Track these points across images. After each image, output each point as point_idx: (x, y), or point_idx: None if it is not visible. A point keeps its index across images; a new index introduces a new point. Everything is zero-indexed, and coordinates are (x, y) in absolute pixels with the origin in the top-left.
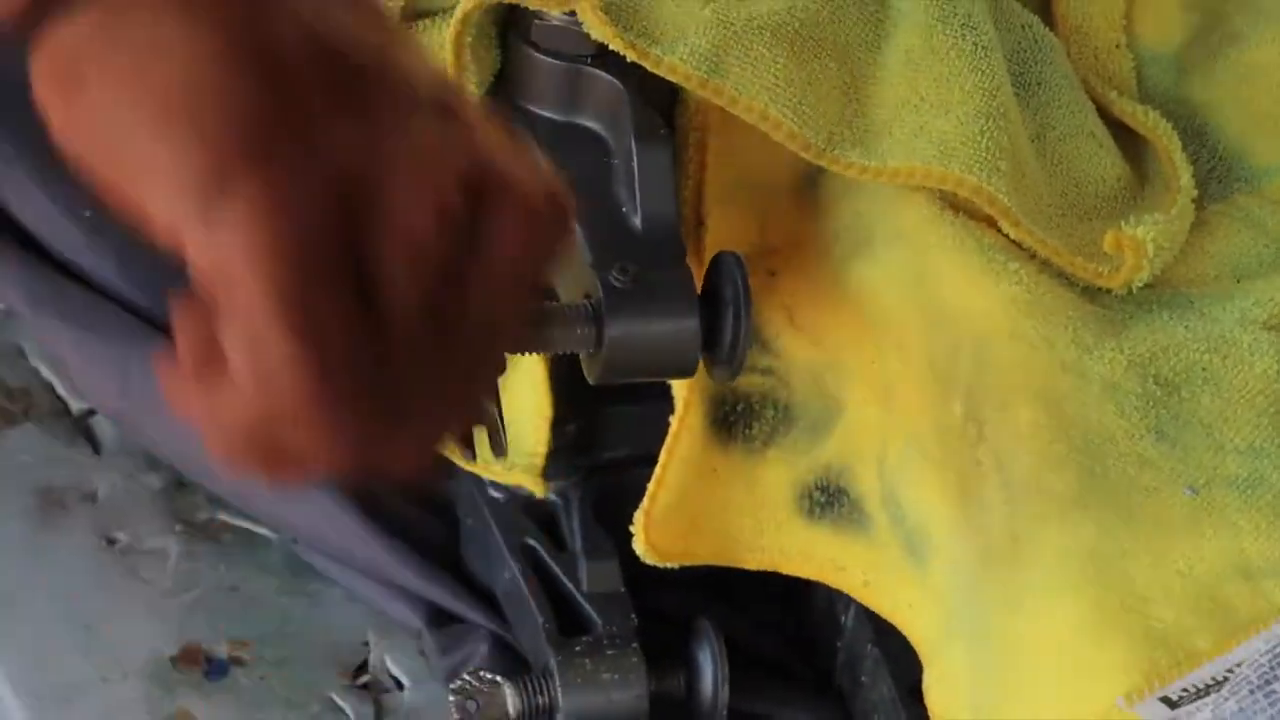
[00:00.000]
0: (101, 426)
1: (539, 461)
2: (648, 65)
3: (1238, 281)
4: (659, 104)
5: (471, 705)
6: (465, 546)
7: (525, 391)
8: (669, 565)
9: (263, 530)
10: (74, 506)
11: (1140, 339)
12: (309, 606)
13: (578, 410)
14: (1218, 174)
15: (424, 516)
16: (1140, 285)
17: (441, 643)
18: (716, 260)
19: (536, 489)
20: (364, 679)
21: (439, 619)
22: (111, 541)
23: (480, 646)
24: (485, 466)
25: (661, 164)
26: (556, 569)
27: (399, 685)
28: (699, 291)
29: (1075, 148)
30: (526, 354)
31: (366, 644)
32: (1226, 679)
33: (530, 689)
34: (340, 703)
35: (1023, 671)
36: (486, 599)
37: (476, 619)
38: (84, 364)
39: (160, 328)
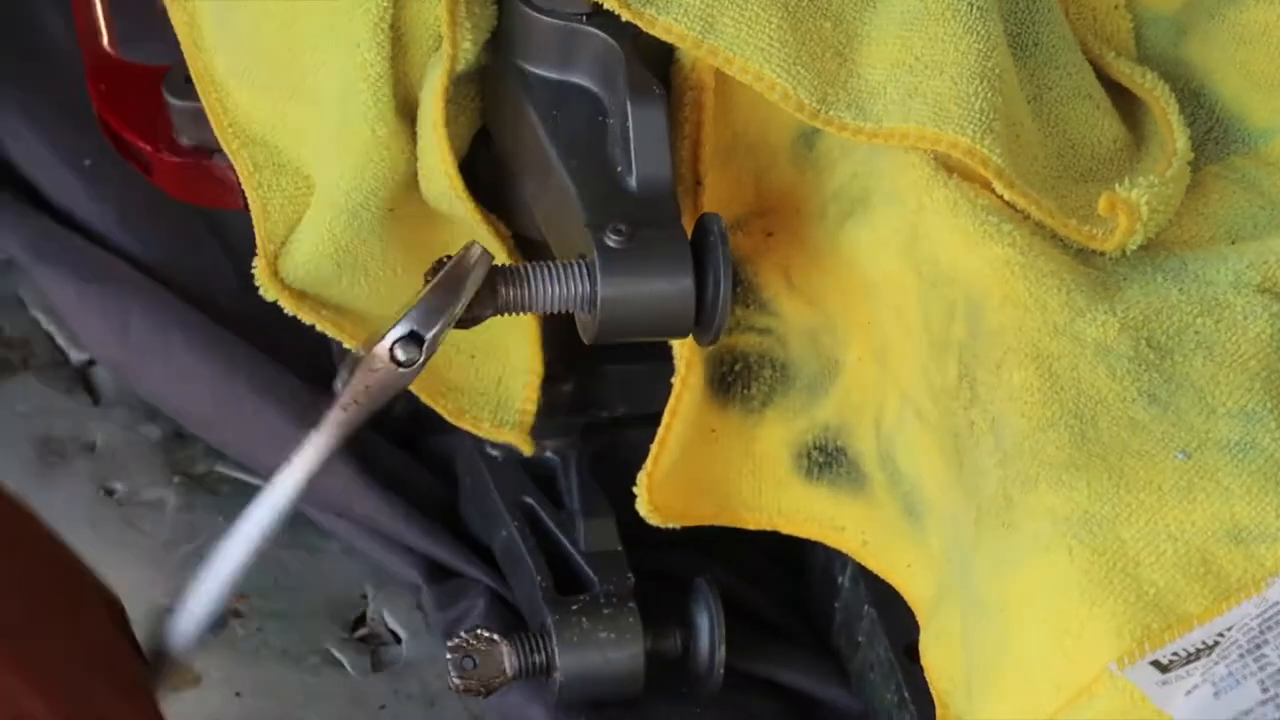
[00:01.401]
0: (100, 377)
1: (527, 420)
2: (642, 25)
3: (1232, 244)
4: (654, 63)
5: (469, 663)
6: (464, 504)
7: (515, 348)
8: (670, 525)
9: (261, 483)
10: (72, 457)
11: (1133, 302)
12: (307, 559)
13: (574, 369)
14: (1215, 136)
15: (423, 472)
16: (1134, 248)
17: (439, 598)
18: (699, 222)
19: (525, 447)
20: (361, 632)
21: (437, 574)
22: (109, 492)
23: (478, 602)
24: (475, 424)
25: (657, 124)
26: (554, 527)
27: (396, 638)
28: None
29: (1072, 109)
30: (521, 313)
31: (364, 597)
32: (1217, 643)
33: (527, 647)
34: (338, 655)
35: (1014, 634)
36: (484, 555)
37: (474, 574)
38: (84, 315)
39: (160, 278)
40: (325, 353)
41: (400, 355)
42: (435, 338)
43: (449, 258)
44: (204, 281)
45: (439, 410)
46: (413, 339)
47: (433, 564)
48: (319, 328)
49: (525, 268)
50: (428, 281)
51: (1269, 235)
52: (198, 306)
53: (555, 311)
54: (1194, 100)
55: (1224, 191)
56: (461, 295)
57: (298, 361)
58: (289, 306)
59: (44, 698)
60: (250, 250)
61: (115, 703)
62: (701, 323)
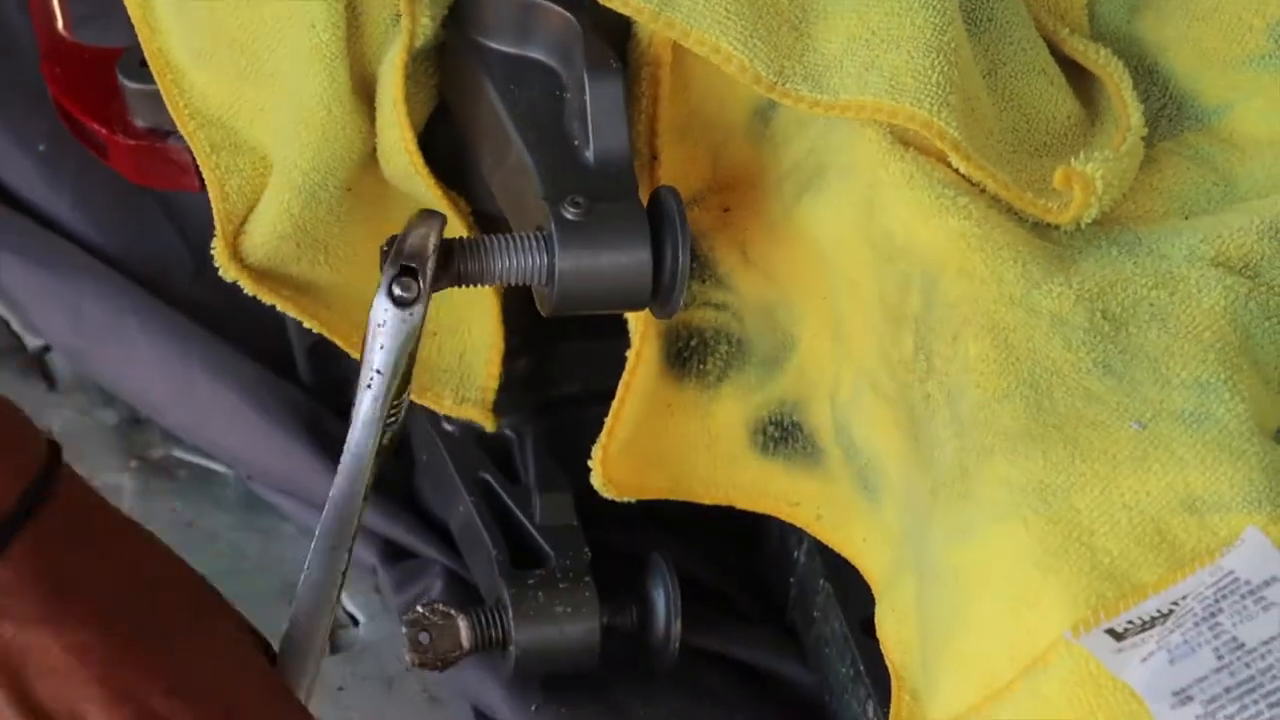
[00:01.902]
0: (57, 363)
1: (489, 396)
2: None
3: (1186, 219)
4: (611, 39)
5: (424, 637)
6: (419, 481)
7: (477, 324)
8: (625, 500)
9: (218, 467)
10: None
11: (1088, 274)
12: (264, 542)
13: (530, 345)
14: (1168, 112)
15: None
16: (1089, 222)
17: (396, 578)
18: (655, 196)
19: (487, 423)
20: None
21: (393, 555)
22: None
23: (435, 582)
24: (436, 400)
25: (614, 98)
26: (510, 502)
27: (354, 621)
28: None
29: (1026, 85)
30: (479, 286)
31: None
32: (1172, 611)
33: (483, 621)
34: None
35: (970, 603)
36: (441, 534)
37: (430, 554)
38: (36, 300)
39: (115, 263)
40: (281, 336)
41: (399, 291)
42: (428, 266)
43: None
44: (159, 266)
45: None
46: (407, 272)
47: (389, 545)
48: (279, 308)
49: (483, 239)
50: (385, 255)
51: (1222, 210)
52: (153, 291)
53: (513, 284)
54: (1147, 77)
55: (1177, 167)
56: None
57: (253, 345)
58: (249, 287)
59: (183, 700)
60: (206, 235)
61: (259, 708)
62: (659, 296)
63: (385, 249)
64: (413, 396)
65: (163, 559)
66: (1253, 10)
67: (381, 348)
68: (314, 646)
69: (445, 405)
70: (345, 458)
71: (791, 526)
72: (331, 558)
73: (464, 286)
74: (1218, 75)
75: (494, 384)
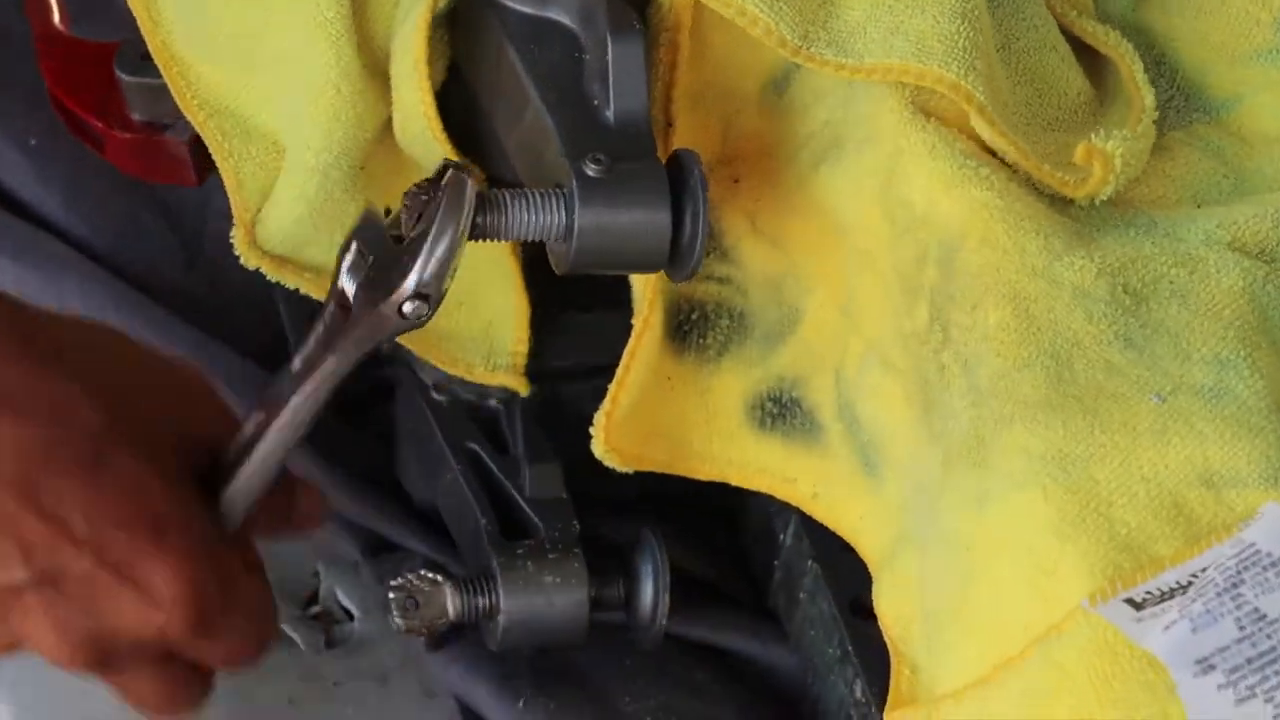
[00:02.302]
0: None
1: (520, 360)
2: None
3: (1198, 207)
4: (632, 1)
5: (411, 604)
6: (402, 460)
7: (500, 292)
8: (625, 469)
9: None
10: None
11: (1110, 249)
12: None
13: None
14: (1176, 104)
15: (362, 444)
16: (1102, 200)
17: (380, 571)
18: (675, 157)
19: (521, 388)
20: (314, 610)
21: (376, 548)
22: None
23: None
24: (469, 369)
25: (635, 58)
26: (499, 473)
27: (349, 615)
28: None
29: (1039, 60)
30: (497, 242)
31: (316, 575)
32: (1191, 583)
33: (471, 590)
34: (291, 633)
35: (985, 571)
36: (424, 525)
37: (412, 544)
38: (21, 296)
39: (105, 258)
40: (275, 330)
41: (409, 311)
42: (442, 293)
43: (428, 184)
44: (151, 260)
45: (433, 360)
46: (421, 297)
47: (372, 538)
48: (303, 290)
49: (504, 193)
50: (407, 209)
51: (1234, 200)
52: (145, 285)
53: (531, 239)
54: (1155, 68)
55: (1189, 157)
56: (459, 243)
57: (246, 338)
58: (271, 273)
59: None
60: (199, 228)
61: (138, 550)
62: (677, 258)
63: (408, 200)
64: (445, 368)
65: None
66: (1259, 4)
67: (363, 339)
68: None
69: (478, 374)
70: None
71: (777, 509)
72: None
73: (482, 240)
74: (1225, 69)
75: (524, 349)
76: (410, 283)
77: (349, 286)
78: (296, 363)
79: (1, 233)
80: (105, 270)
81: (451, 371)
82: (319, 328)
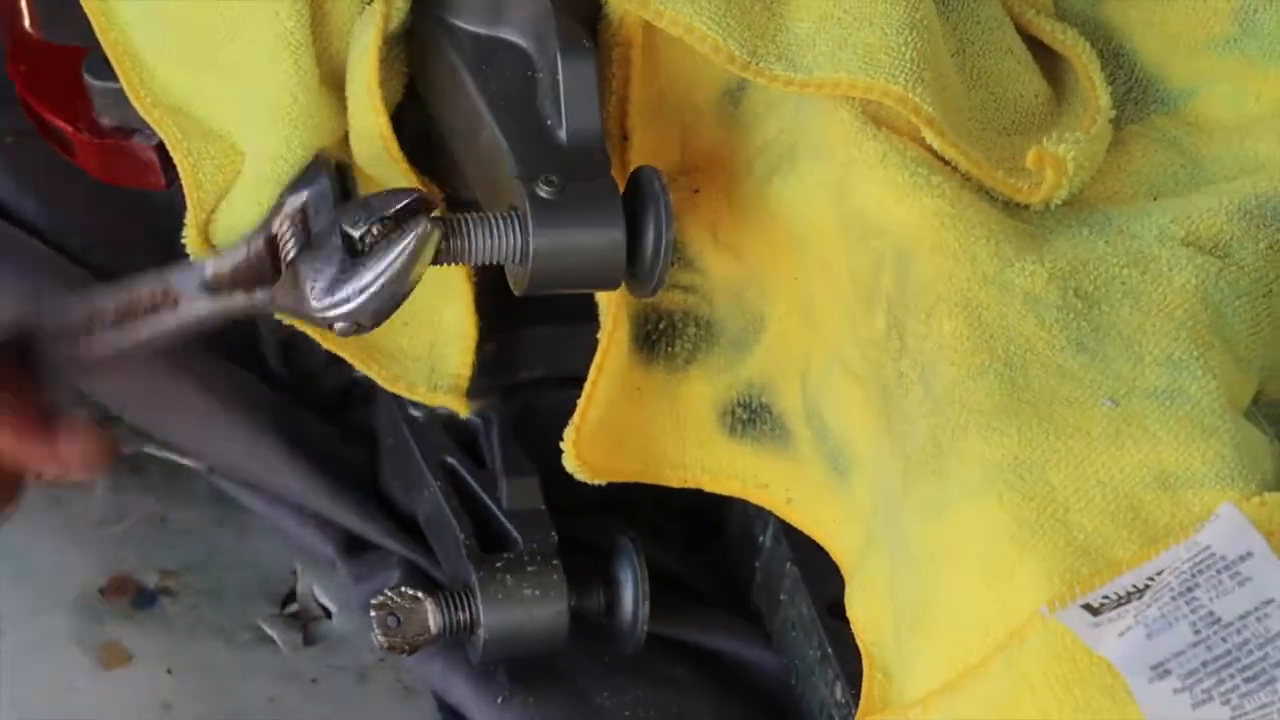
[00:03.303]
0: None
1: (463, 382)
2: None
3: (1154, 200)
4: (582, 20)
5: (393, 621)
6: (384, 470)
7: (450, 313)
8: (597, 483)
9: (189, 462)
10: None
11: (1061, 253)
12: (237, 537)
13: (495, 330)
14: (1134, 96)
15: (348, 446)
16: (1059, 202)
17: (356, 570)
18: (636, 175)
19: (461, 409)
20: (292, 608)
21: (353, 547)
22: (38, 475)
23: (394, 574)
24: (410, 389)
25: (586, 77)
26: (477, 487)
27: (327, 613)
28: None
29: (994, 64)
30: (451, 264)
31: (294, 573)
32: (1148, 586)
33: (451, 604)
34: (269, 631)
35: (944, 579)
36: (401, 526)
37: (390, 545)
38: None
39: (81, 257)
40: (249, 330)
41: (337, 328)
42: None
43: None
44: (125, 260)
45: (373, 376)
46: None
47: (349, 538)
48: None
49: (463, 218)
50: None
51: (1191, 192)
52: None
53: (488, 263)
54: (1113, 60)
55: (1146, 150)
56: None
57: (220, 339)
58: None
59: None
60: (172, 229)
61: None
62: (639, 275)
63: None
64: (386, 385)
65: None
66: None
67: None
68: None
69: (419, 393)
70: None
71: (756, 512)
72: None
73: (444, 265)
74: (1184, 59)
75: (467, 371)
76: (348, 309)
77: (287, 244)
78: (209, 271)
79: None
80: (80, 269)
81: (391, 389)
82: (244, 253)
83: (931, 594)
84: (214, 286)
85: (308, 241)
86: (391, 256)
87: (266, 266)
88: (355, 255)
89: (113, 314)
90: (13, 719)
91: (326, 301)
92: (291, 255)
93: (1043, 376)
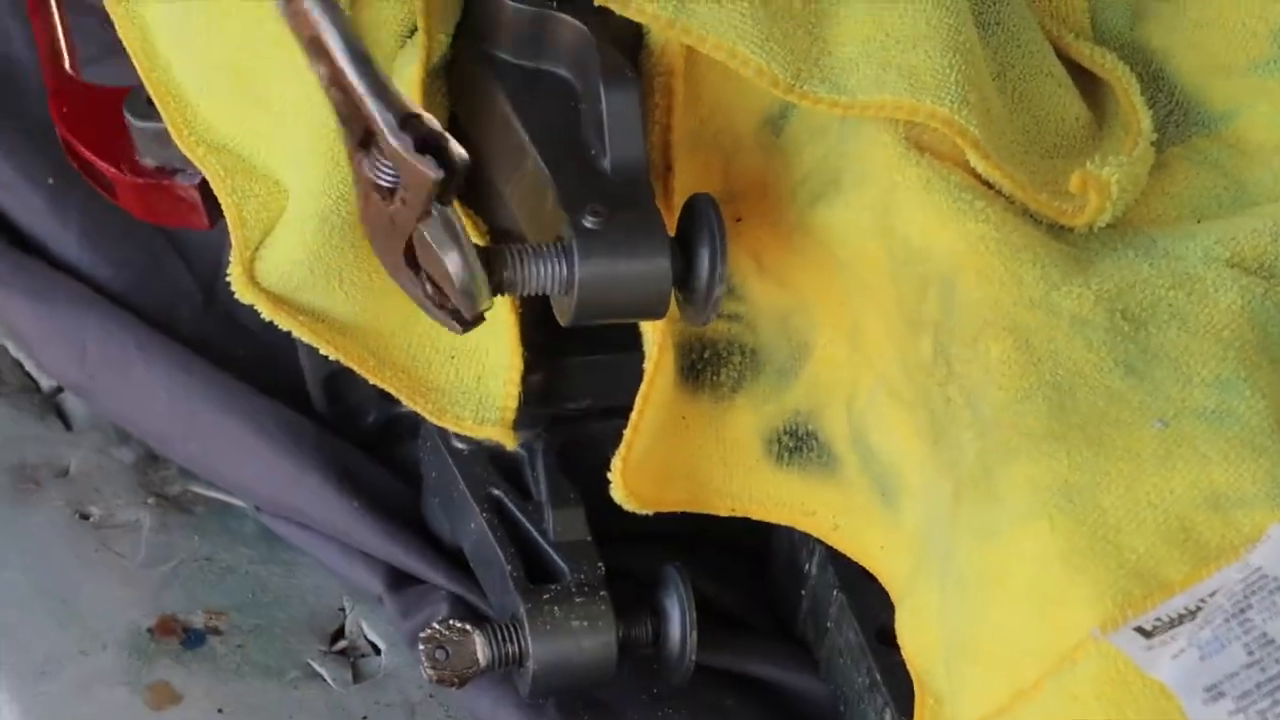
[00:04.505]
0: (71, 402)
1: (509, 415)
2: (614, 7)
3: (1198, 222)
4: (624, 49)
5: (441, 654)
6: (428, 504)
7: (495, 346)
8: (644, 512)
9: (236, 501)
10: (46, 482)
11: (1107, 275)
12: (284, 574)
13: (541, 361)
14: (1175, 118)
15: (393, 481)
16: (1103, 225)
17: (402, 606)
18: (691, 202)
19: (508, 441)
20: (341, 644)
21: (399, 582)
22: (85, 516)
23: (440, 607)
24: (457, 422)
25: (630, 107)
26: (522, 518)
27: (375, 650)
28: (672, 234)
29: (1035, 87)
30: (499, 296)
31: (342, 610)
32: (1200, 608)
33: (500, 637)
34: (318, 668)
35: (996, 603)
36: (447, 559)
37: (436, 579)
38: (41, 338)
39: (123, 297)
40: (292, 367)
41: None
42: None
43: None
44: (168, 299)
45: (420, 410)
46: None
47: (395, 573)
48: (295, 334)
49: (509, 250)
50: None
51: (1233, 214)
52: (162, 324)
53: (534, 294)
54: (1153, 83)
55: (1188, 172)
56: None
57: (264, 377)
58: (266, 311)
59: None
60: (214, 268)
61: None
62: (694, 301)
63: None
64: (433, 419)
65: None
66: (1255, 15)
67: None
68: None
69: (466, 426)
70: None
71: (802, 539)
72: None
73: (499, 295)
74: (1223, 81)
75: (513, 403)
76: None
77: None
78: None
79: (19, 272)
80: (124, 310)
81: (438, 423)
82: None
83: (982, 618)
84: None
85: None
86: None
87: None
88: None
89: None
90: None
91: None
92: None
93: (1091, 399)
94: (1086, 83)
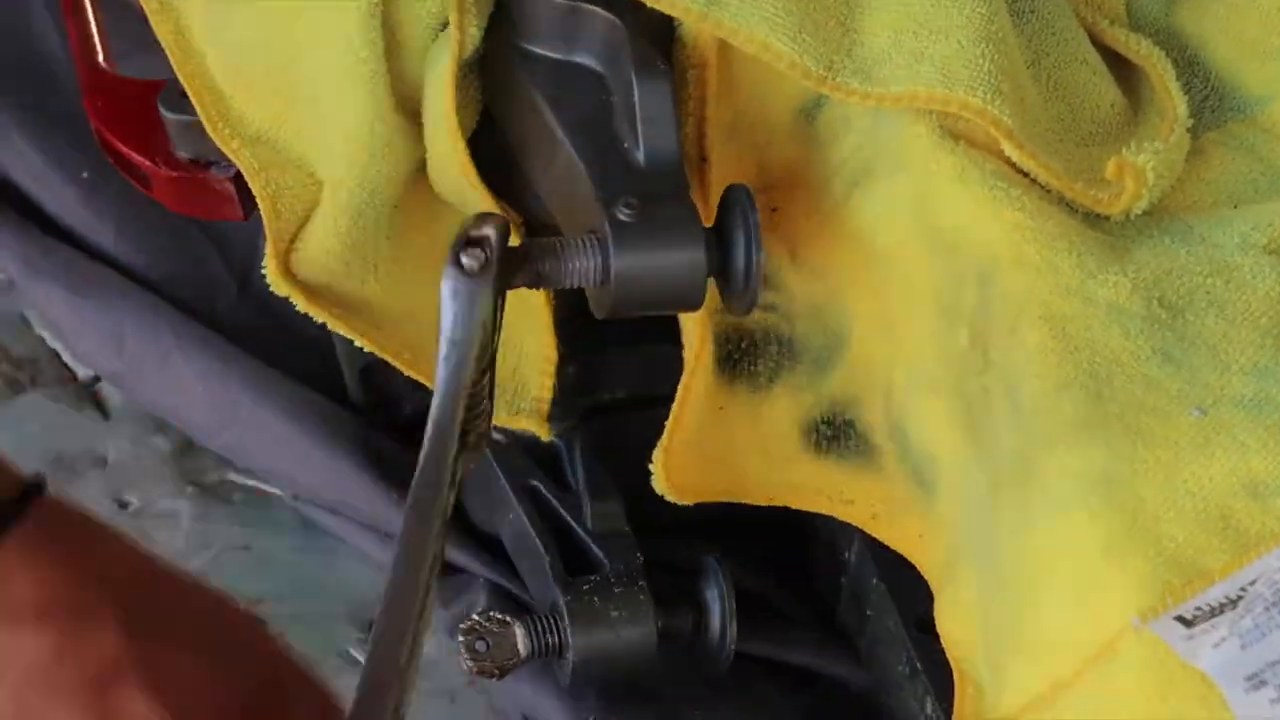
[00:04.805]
0: (108, 392)
1: (544, 406)
2: (646, 0)
3: (1235, 208)
4: (656, 42)
5: (481, 645)
6: (467, 494)
7: (529, 337)
8: (684, 503)
9: (274, 489)
10: (85, 471)
11: (1143, 263)
12: (322, 563)
13: (577, 352)
14: (1210, 104)
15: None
16: (1139, 212)
17: (442, 594)
18: (727, 193)
19: (542, 432)
20: None
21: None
22: (123, 505)
23: (479, 596)
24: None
25: (662, 99)
26: (561, 509)
27: None
28: (709, 225)
29: (1070, 74)
30: (544, 288)
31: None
32: (1241, 597)
33: (540, 628)
34: (357, 656)
35: (1036, 593)
36: (485, 548)
37: (475, 568)
38: (79, 328)
39: (158, 288)
40: (328, 357)
41: (466, 260)
42: (493, 239)
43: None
44: (204, 290)
45: None
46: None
47: None
48: (330, 326)
49: (544, 243)
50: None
51: (1271, 199)
52: (197, 315)
53: (569, 286)
54: (1188, 69)
55: (1224, 158)
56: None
57: (301, 367)
58: (300, 303)
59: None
60: (250, 258)
61: None
62: (734, 290)
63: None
64: None
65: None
66: None
67: (454, 316)
68: (391, 686)
69: (501, 417)
70: (425, 447)
71: (841, 528)
72: (406, 583)
73: (537, 289)
74: (1259, 66)
75: (548, 395)
76: None
77: None
78: None
79: (57, 264)
80: (161, 299)
81: None
82: None
83: (1022, 607)
84: None
85: None
86: None
87: None
88: None
89: None
90: None
91: None
92: None
93: (1129, 387)
94: (1121, 69)
